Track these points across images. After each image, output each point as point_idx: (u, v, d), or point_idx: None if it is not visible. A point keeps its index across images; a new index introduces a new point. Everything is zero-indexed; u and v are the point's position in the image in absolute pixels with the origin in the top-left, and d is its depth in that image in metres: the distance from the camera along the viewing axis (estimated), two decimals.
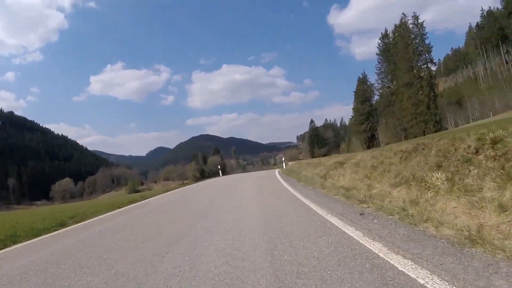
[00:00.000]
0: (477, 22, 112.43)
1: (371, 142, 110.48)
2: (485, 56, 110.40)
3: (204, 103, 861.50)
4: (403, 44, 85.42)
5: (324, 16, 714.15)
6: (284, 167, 40.09)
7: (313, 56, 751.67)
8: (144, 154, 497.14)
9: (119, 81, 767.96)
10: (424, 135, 78.34)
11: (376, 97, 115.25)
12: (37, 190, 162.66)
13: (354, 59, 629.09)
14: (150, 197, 22.32)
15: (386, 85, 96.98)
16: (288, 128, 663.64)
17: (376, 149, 26.30)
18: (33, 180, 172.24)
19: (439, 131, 77.35)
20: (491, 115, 76.28)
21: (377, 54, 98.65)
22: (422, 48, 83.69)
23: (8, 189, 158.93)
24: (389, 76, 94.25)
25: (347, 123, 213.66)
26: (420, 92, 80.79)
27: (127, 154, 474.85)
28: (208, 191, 21.01)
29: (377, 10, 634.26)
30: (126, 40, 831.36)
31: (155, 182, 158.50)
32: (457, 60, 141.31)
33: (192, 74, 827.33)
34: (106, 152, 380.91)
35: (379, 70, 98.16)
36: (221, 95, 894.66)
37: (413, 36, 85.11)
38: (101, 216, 13.60)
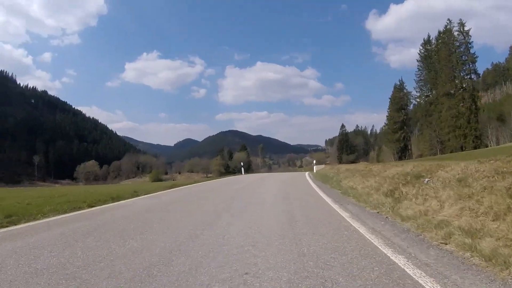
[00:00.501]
0: None
1: (403, 152, 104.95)
2: None
3: (235, 98, 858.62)
4: (446, 52, 79.86)
5: (362, 21, 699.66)
6: (315, 170, 36.32)
7: (348, 61, 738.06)
8: (172, 145, 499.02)
9: (154, 70, 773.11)
10: (462, 150, 73.05)
11: (412, 106, 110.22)
12: (62, 170, 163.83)
13: (389, 67, 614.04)
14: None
15: (425, 94, 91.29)
16: (316, 131, 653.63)
17: (421, 158, 22.16)
18: (59, 159, 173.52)
19: (479, 148, 71.95)
20: None
21: (417, 60, 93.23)
22: (466, 58, 77.91)
23: (33, 166, 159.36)
24: (429, 85, 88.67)
25: (378, 131, 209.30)
26: (461, 104, 75.22)
27: (155, 143, 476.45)
28: (216, 195, 16.80)
29: (415, 19, 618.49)
30: (163, 29, 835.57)
31: (179, 173, 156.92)
32: (497, 75, 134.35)
33: (226, 69, 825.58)
34: (135, 139, 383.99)
35: (418, 77, 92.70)
36: (252, 92, 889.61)
37: (457, 44, 79.43)
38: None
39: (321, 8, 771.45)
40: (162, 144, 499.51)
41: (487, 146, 73.28)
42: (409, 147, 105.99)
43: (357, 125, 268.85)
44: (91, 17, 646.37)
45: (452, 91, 77.15)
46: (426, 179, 9.63)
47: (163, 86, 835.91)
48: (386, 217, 7.82)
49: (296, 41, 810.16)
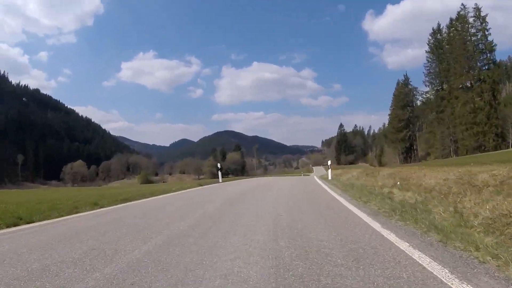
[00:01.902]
0: None
1: (408, 153, 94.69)
2: None
3: (231, 99, 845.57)
4: (460, 40, 69.76)
5: (359, 22, 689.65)
6: (330, 176, 24.73)
7: (345, 61, 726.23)
8: (168, 145, 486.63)
9: (150, 69, 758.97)
10: (480, 150, 62.85)
11: (419, 103, 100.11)
12: (49, 170, 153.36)
13: (386, 68, 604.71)
14: None
15: (436, 88, 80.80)
16: (313, 131, 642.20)
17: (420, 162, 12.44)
18: (49, 159, 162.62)
19: (500, 148, 61.79)
20: None
21: (426, 52, 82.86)
22: (483, 46, 67.66)
23: (18, 166, 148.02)
24: (440, 78, 78.24)
25: (376, 131, 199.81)
26: (480, 98, 64.91)
27: (150, 143, 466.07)
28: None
29: (412, 20, 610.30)
30: (159, 29, 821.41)
31: (170, 174, 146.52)
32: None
33: (222, 69, 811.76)
34: (130, 139, 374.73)
35: (427, 69, 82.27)
36: (249, 92, 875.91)
37: (473, 31, 69.23)
38: None
39: (318, 9, 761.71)
40: (158, 144, 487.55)
41: (509, 147, 62.97)
42: (414, 147, 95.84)
43: (355, 124, 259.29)
44: (87, 16, 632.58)
45: (468, 84, 67.03)
46: None
47: (159, 86, 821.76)
48: None
49: (293, 41, 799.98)
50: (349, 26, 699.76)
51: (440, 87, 79.49)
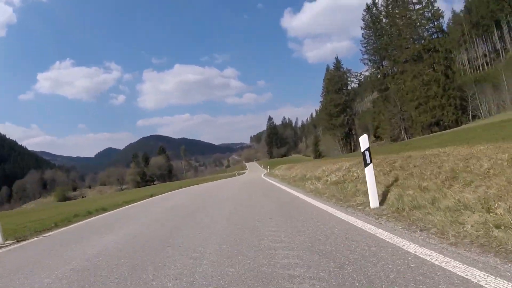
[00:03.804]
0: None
1: (348, 138, 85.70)
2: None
3: (156, 103, 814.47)
4: (403, 11, 60.90)
5: (278, 19, 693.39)
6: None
7: (267, 58, 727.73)
8: (93, 155, 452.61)
9: (68, 79, 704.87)
10: (439, 126, 54.47)
11: (353, 85, 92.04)
12: None
13: (307, 62, 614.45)
14: None
15: (377, 65, 71.69)
16: (241, 129, 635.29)
17: None
18: None
19: (461, 122, 53.69)
20: None
21: (361, 28, 73.53)
22: (429, 14, 59.21)
23: None
24: (380, 53, 69.22)
25: (304, 122, 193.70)
26: (432, 69, 56.28)
27: (75, 156, 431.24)
28: None
29: (329, 14, 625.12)
30: (75, 36, 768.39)
31: (89, 187, 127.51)
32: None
33: (143, 73, 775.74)
34: (53, 153, 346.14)
35: (365, 47, 72.85)
36: (173, 95, 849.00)
37: (416, 1, 60.63)
38: None
39: (237, 8, 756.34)
40: (82, 156, 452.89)
41: (478, 118, 54.61)
42: (353, 132, 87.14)
43: (284, 116, 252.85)
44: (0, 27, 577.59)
45: (417, 55, 58.25)
46: None
47: (80, 95, 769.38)
48: None
49: (214, 41, 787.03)
50: (268, 24, 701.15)
51: (380, 64, 70.70)
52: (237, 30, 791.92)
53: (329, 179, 9.98)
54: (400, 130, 62.59)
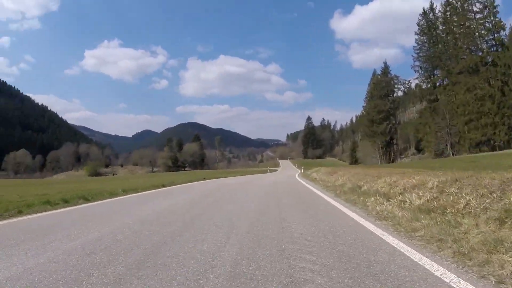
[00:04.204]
0: None
1: (388, 147, 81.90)
2: None
3: (196, 91, 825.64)
4: (463, 18, 56.82)
5: (327, 20, 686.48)
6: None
7: (311, 58, 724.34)
8: (130, 136, 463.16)
9: (114, 58, 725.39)
10: (488, 145, 50.64)
11: (400, 93, 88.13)
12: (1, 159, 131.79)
13: (351, 66, 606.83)
14: None
15: (428, 73, 67.54)
16: (277, 126, 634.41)
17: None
18: None
19: None
20: None
21: (416, 33, 69.42)
22: (490, 24, 54.91)
23: None
24: (433, 61, 65.15)
25: (343, 126, 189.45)
26: (487, 84, 52.15)
27: (113, 134, 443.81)
28: None
29: (379, 20, 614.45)
30: (126, 17, 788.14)
31: (121, 166, 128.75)
32: None
33: (188, 61, 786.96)
34: (91, 128, 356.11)
35: (417, 53, 68.70)
36: (214, 85, 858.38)
37: (477, 9, 56.41)
38: None
39: (287, 4, 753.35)
40: (120, 135, 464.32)
41: None
42: (394, 141, 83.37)
43: (323, 118, 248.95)
44: (52, 1, 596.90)
45: (473, 67, 54.24)
46: None
47: (124, 76, 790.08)
48: None
49: (261, 36, 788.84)
50: (317, 24, 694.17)
51: (432, 73, 66.63)
52: (285, 27, 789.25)
53: (408, 200, 6.70)
54: (446, 145, 58.65)
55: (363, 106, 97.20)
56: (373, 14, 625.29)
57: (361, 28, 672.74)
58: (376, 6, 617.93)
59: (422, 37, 68.02)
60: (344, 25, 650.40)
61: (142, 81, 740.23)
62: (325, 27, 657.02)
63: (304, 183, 18.97)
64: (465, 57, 55.91)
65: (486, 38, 55.53)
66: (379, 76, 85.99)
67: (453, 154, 56.70)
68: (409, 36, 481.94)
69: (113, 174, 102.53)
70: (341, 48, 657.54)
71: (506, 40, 54.88)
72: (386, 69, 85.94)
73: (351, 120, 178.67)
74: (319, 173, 24.04)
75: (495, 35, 54.71)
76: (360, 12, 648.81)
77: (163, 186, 18.20)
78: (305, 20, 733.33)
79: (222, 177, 33.64)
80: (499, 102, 50.32)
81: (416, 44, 68.81)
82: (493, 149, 50.44)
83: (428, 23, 66.95)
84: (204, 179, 28.81)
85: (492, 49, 54.52)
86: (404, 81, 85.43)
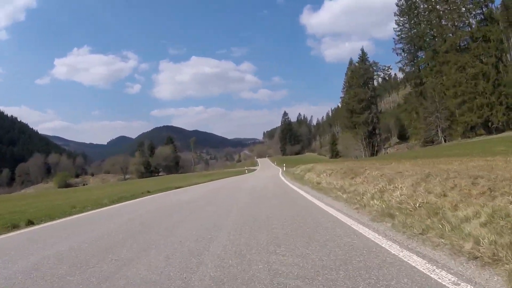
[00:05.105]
0: None
1: (370, 138, 76.54)
2: None
3: (171, 94, 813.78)
4: None
5: (297, 16, 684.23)
6: None
7: (284, 55, 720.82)
8: (105, 143, 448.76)
9: (85, 65, 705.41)
10: (488, 128, 45.82)
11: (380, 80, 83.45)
12: None
13: (324, 60, 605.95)
14: None
15: (411, 53, 62.22)
16: (254, 124, 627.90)
17: None
18: None
19: None
20: None
21: (395, 14, 64.08)
22: None
23: None
24: (416, 42, 60.00)
25: (319, 121, 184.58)
26: (480, 61, 47.04)
27: (87, 142, 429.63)
28: None
29: (350, 14, 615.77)
30: (94, 23, 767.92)
31: (92, 175, 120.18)
32: None
33: (160, 63, 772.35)
34: (66, 138, 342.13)
35: (398, 35, 63.40)
36: (189, 87, 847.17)
37: None
38: None
39: (257, 2, 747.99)
40: (95, 142, 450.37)
41: None
42: (377, 131, 78.26)
43: (299, 113, 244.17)
44: (19, 11, 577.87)
45: (462, 44, 49.32)
46: None
47: (96, 82, 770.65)
48: None
49: (233, 35, 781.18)
50: (287, 20, 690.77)
51: (415, 55, 61.49)
52: (256, 25, 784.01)
53: None
54: (437, 131, 53.47)
55: (341, 97, 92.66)
56: (344, 8, 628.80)
57: (332, 23, 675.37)
58: (346, 0, 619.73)
59: (402, 18, 62.81)
60: (315, 20, 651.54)
61: (115, 87, 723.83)
62: (295, 23, 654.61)
63: (292, 186, 12.87)
64: (451, 35, 50.86)
65: (473, 13, 50.63)
66: (357, 64, 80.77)
67: (445, 141, 51.66)
68: (381, 29, 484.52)
69: (84, 185, 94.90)
70: (313, 43, 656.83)
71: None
72: (363, 56, 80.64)
73: (327, 114, 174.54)
74: (311, 173, 16.60)
75: (484, 9, 49.83)
76: (330, 6, 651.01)
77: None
78: (275, 17, 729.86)
79: (182, 186, 22.78)
80: (494, 80, 45.29)
81: (396, 26, 63.60)
82: (490, 132, 45.58)
83: (407, 2, 61.79)
84: (149, 192, 17.84)
85: (482, 24, 49.56)
86: (384, 67, 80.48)
